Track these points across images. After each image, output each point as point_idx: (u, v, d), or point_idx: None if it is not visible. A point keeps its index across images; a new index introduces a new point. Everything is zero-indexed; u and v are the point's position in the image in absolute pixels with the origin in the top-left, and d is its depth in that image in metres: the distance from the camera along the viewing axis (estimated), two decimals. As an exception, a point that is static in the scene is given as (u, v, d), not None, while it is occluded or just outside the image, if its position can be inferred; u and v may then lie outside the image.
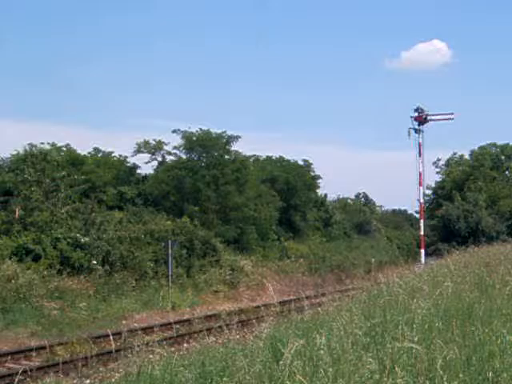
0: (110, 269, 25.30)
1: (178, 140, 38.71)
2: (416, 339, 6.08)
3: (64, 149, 37.29)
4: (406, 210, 71.62)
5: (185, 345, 16.77)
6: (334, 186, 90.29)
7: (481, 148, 58.86)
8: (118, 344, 15.72)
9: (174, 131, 38.45)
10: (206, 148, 38.11)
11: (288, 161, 48.75)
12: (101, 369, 14.42)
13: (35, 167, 28.76)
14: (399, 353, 5.75)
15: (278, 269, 37.60)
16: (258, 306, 25.52)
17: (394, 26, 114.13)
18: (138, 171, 40.74)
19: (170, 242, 26.91)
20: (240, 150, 40.14)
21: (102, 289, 23.71)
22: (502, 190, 53.39)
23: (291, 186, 45.47)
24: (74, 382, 13.54)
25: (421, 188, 39.80)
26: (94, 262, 24.87)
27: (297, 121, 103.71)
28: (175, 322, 20.77)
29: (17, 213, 25.93)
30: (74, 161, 36.09)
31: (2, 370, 14.77)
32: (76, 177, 31.25)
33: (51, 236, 24.73)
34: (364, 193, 73.11)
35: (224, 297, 29.04)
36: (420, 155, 39.02)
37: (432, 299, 8.24)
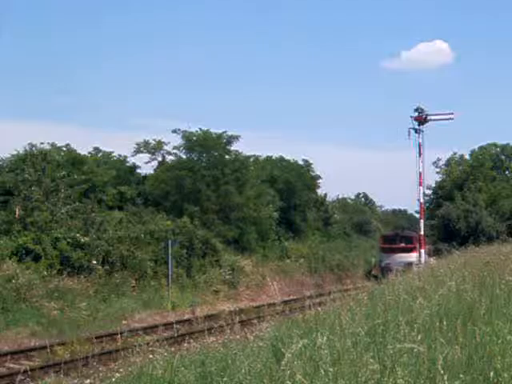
0: (110, 269, 25.29)
1: (178, 140, 38.79)
2: (417, 339, 6.07)
3: (64, 149, 37.27)
4: (406, 210, 71.81)
5: (185, 345, 16.74)
6: (334, 185, 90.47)
7: (481, 148, 58.84)
8: (118, 344, 15.70)
9: (173, 131, 38.51)
10: (206, 148, 38.09)
11: (288, 161, 48.77)
12: (101, 369, 14.41)
13: (35, 167, 28.76)
14: (400, 353, 5.74)
15: (278, 269, 37.60)
16: (258, 306, 25.54)
17: (394, 25, 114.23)
18: (138, 171, 40.81)
19: (169, 241, 26.90)
20: (240, 150, 40.20)
21: (102, 289, 23.70)
22: (502, 189, 53.34)
23: (291, 185, 45.48)
24: (74, 381, 13.52)
25: (421, 188, 39.73)
26: (94, 262, 24.85)
27: (297, 121, 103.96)
28: (175, 322, 20.75)
29: (17, 213, 25.91)
30: (74, 161, 36.06)
31: (2, 370, 14.76)
32: (76, 177, 31.25)
33: (51, 236, 24.72)
34: (364, 193, 73.34)
35: (224, 297, 29.03)
36: (420, 155, 38.96)
37: (433, 299, 8.23)
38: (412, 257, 40.31)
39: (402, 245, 42.28)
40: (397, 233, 45.46)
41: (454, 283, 9.30)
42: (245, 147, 45.11)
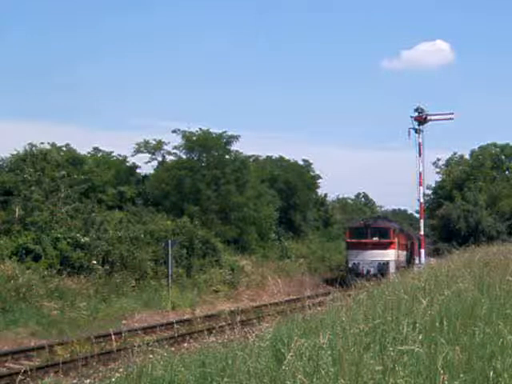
0: (110, 269, 25.28)
1: (178, 140, 38.82)
2: (418, 339, 6.07)
3: (64, 149, 37.29)
4: (406, 210, 71.86)
5: (185, 345, 16.74)
6: (334, 186, 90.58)
7: (481, 148, 58.87)
8: (118, 344, 15.68)
9: (173, 131, 38.58)
10: (206, 148, 38.11)
11: (288, 161, 48.81)
12: (101, 369, 14.39)
13: (35, 167, 28.75)
14: (401, 352, 5.73)
15: (278, 269, 37.58)
16: (258, 306, 25.51)
17: (394, 25, 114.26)
18: (138, 171, 40.83)
19: (169, 241, 26.88)
20: (240, 150, 40.24)
21: (102, 289, 23.67)
22: (502, 190, 53.34)
23: (291, 185, 45.50)
24: (74, 381, 13.50)
25: (421, 188, 39.66)
26: (94, 262, 24.84)
27: (297, 121, 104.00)
28: (175, 322, 20.74)
29: (17, 213, 25.89)
30: (73, 161, 36.07)
31: (2, 370, 14.75)
32: (76, 177, 31.22)
33: (51, 236, 24.71)
34: (364, 193, 73.45)
35: (224, 297, 29.01)
36: (420, 155, 38.89)
37: (433, 299, 8.23)
38: (389, 255, 32.94)
39: (375, 239, 34.09)
40: (367, 223, 35.54)
41: (453, 284, 9.30)
42: (245, 147, 45.21)
